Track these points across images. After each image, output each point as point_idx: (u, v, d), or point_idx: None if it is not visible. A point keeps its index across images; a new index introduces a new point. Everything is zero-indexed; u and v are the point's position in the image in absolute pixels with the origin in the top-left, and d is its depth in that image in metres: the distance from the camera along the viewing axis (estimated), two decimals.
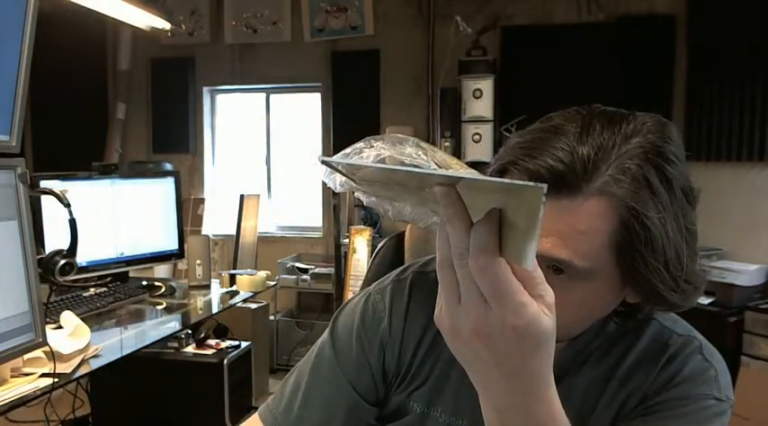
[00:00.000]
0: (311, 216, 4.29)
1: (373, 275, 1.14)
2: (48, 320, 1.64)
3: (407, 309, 0.79)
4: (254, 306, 3.42)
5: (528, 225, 0.54)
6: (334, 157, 0.62)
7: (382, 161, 0.65)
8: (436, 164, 0.65)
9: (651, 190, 0.62)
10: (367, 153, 0.65)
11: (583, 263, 0.62)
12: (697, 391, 0.69)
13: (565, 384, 0.72)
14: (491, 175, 0.69)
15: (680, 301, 0.67)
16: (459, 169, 0.65)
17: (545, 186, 0.50)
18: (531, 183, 0.54)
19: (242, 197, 2.88)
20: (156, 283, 2.38)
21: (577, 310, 0.66)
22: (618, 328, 0.75)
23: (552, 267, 0.63)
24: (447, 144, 3.57)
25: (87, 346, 1.59)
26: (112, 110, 4.36)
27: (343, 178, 0.65)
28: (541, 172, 0.63)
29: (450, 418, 0.76)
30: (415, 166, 0.64)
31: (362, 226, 3.52)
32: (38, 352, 1.41)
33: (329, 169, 0.65)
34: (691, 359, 0.72)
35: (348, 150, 0.68)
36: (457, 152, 3.56)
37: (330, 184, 0.66)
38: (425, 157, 0.66)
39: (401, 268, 0.85)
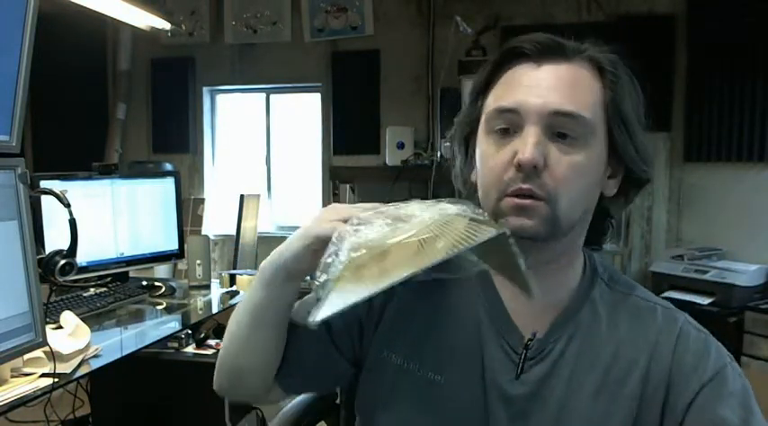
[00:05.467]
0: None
1: None
2: (48, 320, 1.64)
3: None
4: None
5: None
6: (326, 309, 0.63)
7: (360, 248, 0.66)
8: (403, 221, 0.67)
9: (622, 70, 0.76)
10: (342, 251, 0.66)
11: (587, 115, 0.71)
12: (716, 368, 0.73)
13: (555, 352, 0.75)
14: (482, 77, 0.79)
15: (643, 174, 0.77)
16: (425, 213, 0.67)
17: (507, 230, 0.63)
18: (494, 233, 0.64)
19: (242, 197, 2.88)
20: (156, 283, 2.38)
21: (579, 178, 0.72)
22: (602, 295, 0.78)
23: (556, 133, 0.71)
24: (447, 144, 3.57)
25: (87, 346, 1.59)
26: (112, 111, 4.36)
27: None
28: (528, 45, 0.74)
29: (429, 373, 0.77)
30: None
31: None
32: (38, 352, 1.41)
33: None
34: (690, 338, 0.75)
35: (327, 258, 0.67)
36: None
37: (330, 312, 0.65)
38: (390, 225, 0.66)
39: None
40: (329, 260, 0.66)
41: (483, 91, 0.78)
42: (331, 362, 0.83)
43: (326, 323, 0.82)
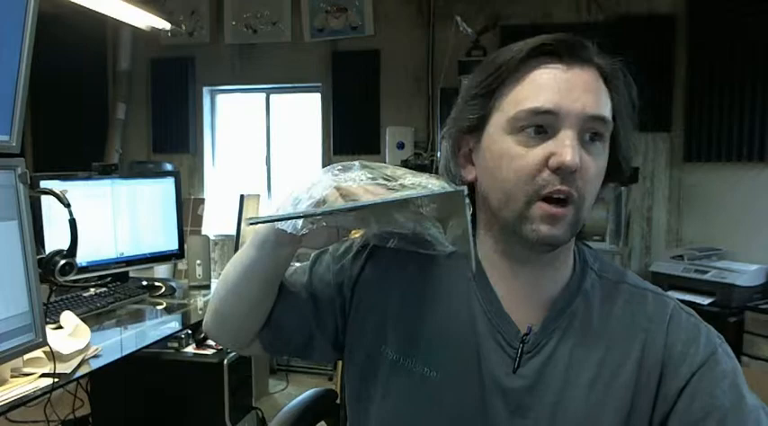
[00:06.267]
0: None
1: None
2: (48, 320, 1.64)
3: (371, 252, 0.86)
4: None
5: (465, 228, 0.63)
6: (265, 215, 0.67)
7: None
8: (385, 179, 0.68)
9: (621, 75, 0.76)
10: (316, 188, 0.68)
11: (610, 119, 0.73)
12: (707, 352, 0.73)
13: (550, 346, 0.76)
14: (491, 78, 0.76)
15: (627, 170, 0.79)
16: (408, 177, 0.68)
17: (465, 188, 0.62)
18: (453, 188, 0.64)
19: (242, 197, 2.88)
20: (156, 283, 2.38)
21: (598, 180, 0.74)
22: (593, 286, 0.80)
23: (587, 137, 0.72)
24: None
25: (87, 346, 1.59)
26: (112, 110, 4.36)
27: (301, 221, 0.67)
28: (547, 40, 0.73)
29: (424, 369, 0.78)
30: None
31: None
32: (38, 352, 1.41)
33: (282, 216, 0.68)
34: (681, 323, 0.76)
35: (297, 191, 0.70)
36: None
37: (290, 230, 0.68)
38: (371, 176, 0.68)
39: None
40: (299, 195, 0.68)
41: (497, 87, 0.75)
42: (310, 336, 0.86)
43: (314, 298, 0.84)
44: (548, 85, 0.72)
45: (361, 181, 0.66)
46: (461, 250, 0.67)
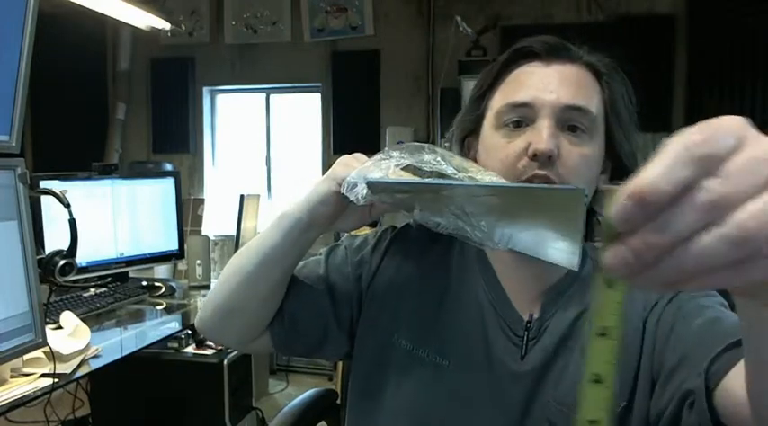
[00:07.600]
0: None
1: None
2: (48, 320, 1.64)
3: (390, 244, 0.88)
4: None
5: (568, 225, 0.58)
6: (374, 176, 0.68)
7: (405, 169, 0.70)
8: (455, 168, 0.69)
9: (616, 74, 0.81)
10: (386, 164, 0.70)
11: (594, 111, 0.76)
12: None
13: (552, 326, 0.80)
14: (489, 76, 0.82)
15: (631, 167, 0.80)
16: (477, 172, 0.69)
17: (585, 189, 0.56)
18: (570, 187, 0.61)
19: (242, 197, 2.88)
20: (156, 283, 2.38)
21: (586, 169, 0.76)
22: (590, 272, 0.83)
23: (567, 127, 0.75)
24: (447, 144, 3.56)
25: (87, 346, 1.59)
26: (112, 110, 4.36)
27: (366, 190, 0.68)
28: (538, 45, 0.78)
29: (437, 358, 0.80)
30: (442, 175, 0.68)
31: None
32: (38, 352, 1.41)
33: (351, 182, 0.69)
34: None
35: (368, 162, 0.71)
36: None
37: (352, 197, 0.69)
38: (444, 163, 0.69)
39: None
40: (370, 165, 0.68)
41: (489, 90, 0.82)
42: (325, 328, 0.85)
43: (331, 290, 0.85)
44: (526, 81, 0.78)
45: (432, 165, 0.68)
46: (505, 247, 0.64)
